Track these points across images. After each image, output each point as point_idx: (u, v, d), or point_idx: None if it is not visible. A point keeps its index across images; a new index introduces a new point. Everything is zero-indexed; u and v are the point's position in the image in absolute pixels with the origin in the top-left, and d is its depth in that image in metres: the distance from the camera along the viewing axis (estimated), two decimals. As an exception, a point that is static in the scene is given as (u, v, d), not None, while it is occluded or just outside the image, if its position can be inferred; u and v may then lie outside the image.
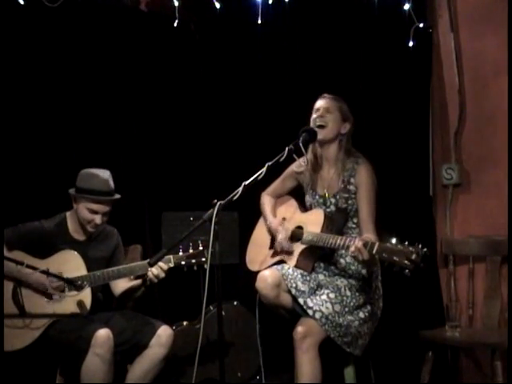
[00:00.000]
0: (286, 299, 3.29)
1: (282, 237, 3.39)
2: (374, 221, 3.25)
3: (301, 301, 3.21)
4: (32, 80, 3.92)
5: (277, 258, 3.43)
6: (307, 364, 3.14)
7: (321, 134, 3.30)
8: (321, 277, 3.35)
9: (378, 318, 3.34)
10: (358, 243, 2.97)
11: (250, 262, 3.57)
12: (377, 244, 2.92)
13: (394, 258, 2.83)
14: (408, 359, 3.73)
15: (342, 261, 3.34)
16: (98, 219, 3.31)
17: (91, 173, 3.34)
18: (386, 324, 3.41)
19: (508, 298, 3.53)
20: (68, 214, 3.41)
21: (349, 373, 3.37)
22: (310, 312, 3.16)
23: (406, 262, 2.80)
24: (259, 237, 3.62)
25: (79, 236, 3.40)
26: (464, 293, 3.79)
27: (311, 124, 3.33)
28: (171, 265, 3.31)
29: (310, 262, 3.36)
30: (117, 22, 4.11)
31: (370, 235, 3.15)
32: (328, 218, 3.32)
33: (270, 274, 3.28)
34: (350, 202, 3.31)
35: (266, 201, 3.62)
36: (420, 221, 3.90)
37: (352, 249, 2.99)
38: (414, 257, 2.79)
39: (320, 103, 3.38)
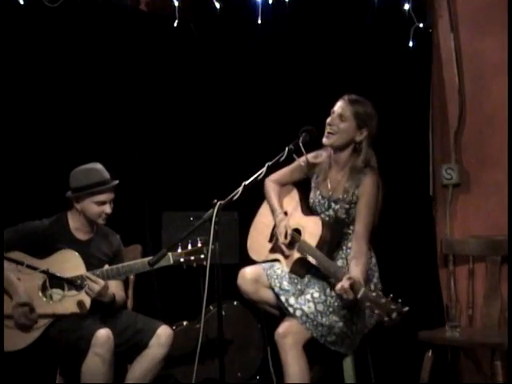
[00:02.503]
0: (266, 295, 3.31)
1: (283, 240, 3.35)
2: (369, 235, 3.23)
3: (282, 298, 3.21)
4: (32, 80, 3.92)
5: (273, 257, 3.44)
6: (291, 363, 3.14)
7: (327, 140, 3.27)
8: (311, 277, 3.34)
9: (375, 323, 3.31)
10: (345, 283, 2.96)
11: (250, 248, 3.57)
12: (362, 290, 2.93)
13: (376, 310, 2.88)
14: (408, 359, 3.73)
15: (336, 262, 3.33)
16: (107, 209, 3.33)
17: (85, 168, 3.35)
18: (375, 322, 3.40)
19: (508, 298, 3.53)
20: (69, 213, 3.41)
21: (348, 372, 3.37)
22: (291, 310, 3.16)
23: (386, 318, 2.84)
24: (261, 223, 3.59)
25: (80, 235, 3.40)
26: (464, 293, 3.78)
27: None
28: (170, 262, 3.31)
29: (304, 268, 3.36)
30: (117, 22, 4.11)
31: (361, 255, 3.16)
32: (325, 230, 3.27)
33: (250, 270, 3.34)
34: (350, 211, 3.27)
35: (272, 188, 3.53)
36: (420, 221, 3.89)
37: (338, 287, 2.99)
38: (394, 315, 2.83)
39: (336, 106, 3.28)
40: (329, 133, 3.26)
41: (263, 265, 3.39)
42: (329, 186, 3.35)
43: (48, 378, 3.45)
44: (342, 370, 3.38)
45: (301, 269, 3.35)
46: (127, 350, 3.25)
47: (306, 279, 3.34)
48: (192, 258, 3.34)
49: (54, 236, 3.32)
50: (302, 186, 3.56)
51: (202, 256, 3.33)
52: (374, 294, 2.90)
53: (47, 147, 3.97)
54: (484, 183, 3.82)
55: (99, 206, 3.32)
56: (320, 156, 3.42)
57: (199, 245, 3.35)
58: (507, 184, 3.57)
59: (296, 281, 3.32)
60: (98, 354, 3.08)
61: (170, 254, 3.30)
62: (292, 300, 3.19)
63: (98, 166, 3.38)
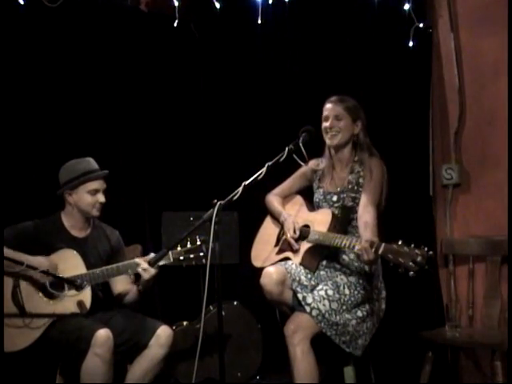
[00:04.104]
0: (289, 296, 3.30)
1: (292, 235, 3.39)
2: (375, 209, 3.26)
3: (300, 296, 3.22)
4: (32, 80, 3.92)
5: (282, 256, 3.44)
6: (300, 358, 3.15)
7: (333, 141, 3.37)
8: (322, 273, 3.37)
9: (380, 320, 3.34)
10: (365, 244, 3.01)
11: (254, 258, 3.57)
12: (383, 245, 2.97)
13: (400, 259, 2.89)
14: (408, 359, 3.73)
15: (344, 257, 3.37)
16: (101, 197, 3.34)
17: (73, 162, 3.37)
18: (386, 324, 3.41)
19: (508, 298, 3.53)
20: (62, 212, 3.41)
21: (349, 373, 3.38)
22: (308, 308, 3.17)
23: (411, 264, 2.86)
24: (265, 234, 3.62)
25: (77, 232, 3.40)
26: (464, 293, 3.78)
27: (323, 133, 3.39)
28: (170, 260, 3.31)
29: (315, 260, 3.38)
30: (117, 21, 4.11)
31: (368, 219, 3.20)
32: (335, 217, 3.34)
33: (276, 270, 3.30)
34: (357, 200, 3.33)
35: (274, 199, 3.61)
36: (420, 221, 3.90)
37: (358, 247, 3.04)
38: (419, 259, 2.85)
39: (328, 110, 3.39)
40: (332, 135, 3.36)
41: (281, 263, 3.37)
42: (335, 183, 3.43)
43: (48, 378, 3.45)
44: (343, 371, 3.39)
45: (312, 260, 3.36)
46: (127, 350, 3.24)
47: (320, 274, 3.37)
48: (191, 256, 3.34)
49: (48, 235, 3.31)
50: (302, 194, 3.61)
51: (202, 254, 3.32)
52: (395, 246, 2.93)
53: (45, 148, 3.96)
54: (484, 183, 3.82)
55: (93, 196, 3.32)
56: (321, 162, 3.52)
57: (198, 243, 3.35)
58: (507, 184, 3.57)
59: (310, 276, 3.34)
60: (98, 354, 3.07)
61: (169, 252, 3.30)
62: (309, 299, 3.20)
63: (87, 158, 3.40)
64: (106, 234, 3.49)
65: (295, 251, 3.39)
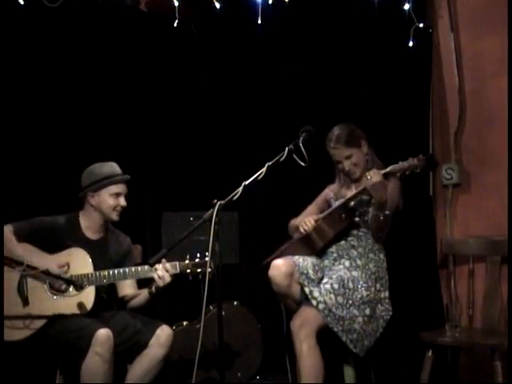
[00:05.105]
0: (296, 290, 3.33)
1: (309, 219, 3.48)
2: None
3: (307, 290, 3.25)
4: (33, 80, 3.92)
5: (291, 241, 3.51)
6: (307, 353, 3.18)
7: (357, 174, 3.51)
8: (326, 262, 3.40)
9: (385, 324, 3.37)
10: (374, 169, 3.29)
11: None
12: (390, 166, 3.29)
13: (405, 164, 3.27)
14: (408, 359, 3.73)
15: (353, 251, 3.42)
16: (122, 201, 3.37)
17: (98, 165, 3.40)
18: (386, 324, 3.41)
19: (508, 298, 3.53)
20: (80, 212, 3.43)
21: (349, 373, 3.38)
22: (314, 302, 3.20)
23: (416, 161, 3.26)
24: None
25: (91, 234, 3.42)
26: (464, 293, 3.78)
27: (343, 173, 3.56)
28: (177, 271, 3.31)
29: (329, 232, 3.44)
30: (117, 21, 4.12)
31: None
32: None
33: (284, 263, 3.33)
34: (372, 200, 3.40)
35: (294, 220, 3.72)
36: (420, 221, 3.89)
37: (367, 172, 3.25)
38: (421, 156, 3.25)
39: (336, 156, 3.51)
40: (352, 173, 3.51)
41: (289, 257, 3.40)
42: (348, 194, 3.52)
43: (48, 378, 3.45)
44: (342, 369, 3.39)
45: (324, 234, 3.43)
46: (127, 349, 3.25)
47: (324, 263, 3.41)
48: (199, 270, 3.35)
49: (64, 233, 3.34)
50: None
51: (209, 270, 3.32)
52: (398, 163, 3.28)
53: (48, 148, 3.96)
54: (484, 183, 3.81)
55: (115, 199, 3.36)
56: (336, 184, 3.67)
57: (207, 258, 3.34)
58: (507, 184, 3.57)
59: (317, 268, 3.36)
60: (98, 354, 3.08)
61: (177, 263, 3.33)
62: (316, 292, 3.23)
63: (110, 162, 3.44)
64: (119, 239, 3.51)
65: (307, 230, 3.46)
